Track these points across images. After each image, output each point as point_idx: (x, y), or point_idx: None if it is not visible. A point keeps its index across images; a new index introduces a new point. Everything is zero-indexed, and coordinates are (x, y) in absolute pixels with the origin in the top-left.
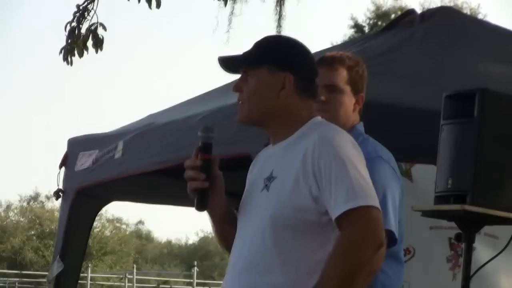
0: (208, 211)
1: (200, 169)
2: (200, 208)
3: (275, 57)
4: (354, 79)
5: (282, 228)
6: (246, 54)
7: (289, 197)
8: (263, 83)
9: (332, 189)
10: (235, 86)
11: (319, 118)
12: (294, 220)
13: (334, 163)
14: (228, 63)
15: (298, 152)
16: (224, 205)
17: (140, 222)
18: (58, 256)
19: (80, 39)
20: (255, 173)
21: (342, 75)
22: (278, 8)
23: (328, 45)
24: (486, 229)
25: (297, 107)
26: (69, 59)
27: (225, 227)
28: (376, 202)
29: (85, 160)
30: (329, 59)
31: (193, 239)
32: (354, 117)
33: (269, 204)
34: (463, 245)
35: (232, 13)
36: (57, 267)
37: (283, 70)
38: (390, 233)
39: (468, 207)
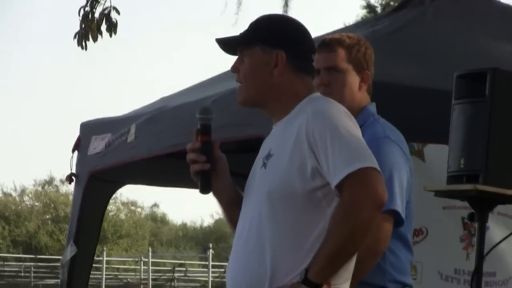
0: (214, 195)
1: (200, 151)
2: (204, 190)
3: (266, 36)
4: (355, 58)
5: (278, 204)
6: (241, 34)
7: (285, 173)
8: (256, 62)
9: (330, 159)
10: (232, 67)
11: (317, 94)
12: (289, 195)
13: (329, 133)
14: (225, 44)
15: (293, 128)
16: (230, 187)
17: (155, 205)
18: (72, 240)
19: (94, 23)
20: (259, 155)
21: (341, 56)
22: None
23: (341, 26)
24: (499, 208)
25: (292, 84)
26: (83, 43)
27: (233, 209)
28: (374, 163)
29: (97, 144)
30: (327, 41)
31: (208, 221)
32: (361, 96)
33: (266, 181)
34: (476, 225)
35: None
36: (70, 251)
37: (275, 48)
38: (395, 213)
39: (480, 187)
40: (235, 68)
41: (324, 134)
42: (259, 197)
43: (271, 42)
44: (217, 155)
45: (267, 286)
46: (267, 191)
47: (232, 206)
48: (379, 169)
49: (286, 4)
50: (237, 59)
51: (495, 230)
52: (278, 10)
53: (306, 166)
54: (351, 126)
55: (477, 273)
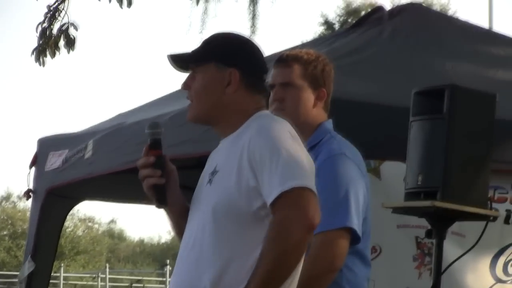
0: (165, 208)
1: (154, 166)
2: (161, 204)
3: (220, 53)
4: (312, 74)
5: (222, 220)
6: (193, 51)
7: (229, 190)
8: (209, 79)
9: (267, 177)
10: (183, 84)
11: (265, 111)
12: (233, 212)
13: (268, 151)
14: (178, 60)
15: (239, 145)
16: (180, 200)
17: (112, 221)
18: (29, 256)
19: (51, 40)
20: (204, 169)
21: (296, 72)
22: (251, 8)
23: (298, 43)
24: (453, 227)
25: (244, 102)
26: (41, 59)
27: (182, 222)
28: (309, 184)
29: (55, 160)
30: (284, 57)
31: (165, 237)
32: (316, 113)
33: (211, 197)
34: (431, 243)
35: (205, 12)
36: (28, 267)
37: (229, 66)
38: (351, 230)
39: (438, 203)
40: (186, 85)
41: (264, 153)
42: (204, 213)
43: (225, 60)
44: (169, 168)
45: None
46: (212, 207)
47: (181, 219)
48: (315, 190)
49: (253, 25)
50: (189, 76)
51: (449, 249)
52: (245, 29)
53: (248, 184)
54: (292, 145)
55: None
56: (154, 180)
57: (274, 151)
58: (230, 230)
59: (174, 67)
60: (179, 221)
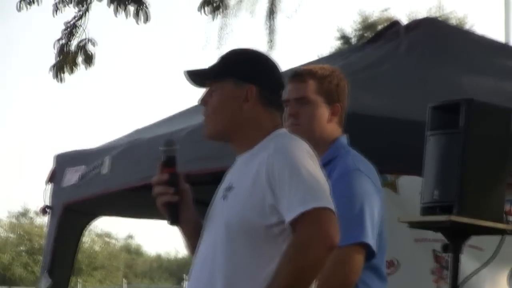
0: (179, 226)
1: (168, 183)
2: (174, 222)
3: (237, 70)
4: (327, 89)
5: (235, 237)
6: (211, 67)
7: (243, 206)
8: (226, 96)
9: (286, 195)
10: (200, 100)
11: (282, 130)
12: (247, 228)
13: (288, 169)
14: (195, 76)
15: (255, 163)
16: (194, 217)
17: (130, 236)
18: (46, 272)
19: (69, 56)
20: (221, 184)
21: (311, 87)
22: (268, 23)
23: (315, 57)
24: (471, 241)
25: (261, 119)
26: (59, 76)
27: (195, 241)
28: (330, 204)
29: (72, 176)
30: (299, 72)
31: (182, 252)
32: (331, 128)
33: (225, 212)
34: (449, 257)
35: (221, 28)
36: (44, 283)
37: (246, 82)
38: (366, 246)
39: (454, 218)
40: (203, 101)
41: (283, 171)
42: (217, 228)
43: (242, 76)
44: (182, 186)
45: None
46: (225, 223)
47: (195, 236)
48: (334, 210)
49: (270, 40)
50: (207, 92)
51: (466, 262)
52: (262, 44)
53: (265, 202)
54: (311, 165)
55: None
56: (167, 197)
57: (294, 170)
58: (243, 247)
59: (191, 83)
60: (192, 239)
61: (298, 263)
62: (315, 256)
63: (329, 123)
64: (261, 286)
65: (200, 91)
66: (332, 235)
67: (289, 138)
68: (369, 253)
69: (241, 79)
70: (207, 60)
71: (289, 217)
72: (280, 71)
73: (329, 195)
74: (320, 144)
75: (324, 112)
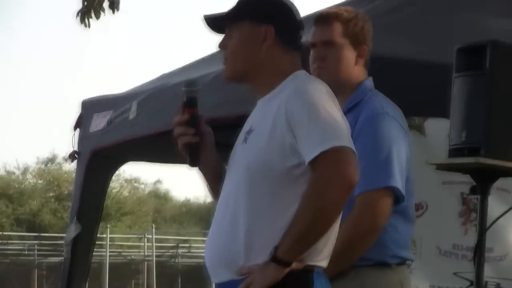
0: (200, 168)
1: (188, 124)
2: (193, 163)
3: (254, 10)
4: (352, 32)
5: (256, 179)
6: (228, 11)
7: (264, 149)
8: (244, 37)
9: (306, 135)
10: (219, 44)
11: (302, 72)
12: (268, 171)
13: (307, 111)
14: (213, 21)
15: (274, 105)
16: (215, 161)
17: (158, 181)
18: (75, 218)
19: (96, 1)
20: (242, 128)
21: (337, 30)
22: None
23: (339, 1)
24: (498, 183)
25: (280, 59)
26: (86, 21)
27: (217, 185)
28: (349, 143)
29: (99, 122)
30: (324, 15)
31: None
32: (357, 71)
33: (245, 155)
34: (476, 199)
35: None
36: (74, 229)
37: (264, 23)
38: (395, 189)
39: (482, 160)
40: (223, 44)
41: (302, 112)
42: (239, 172)
43: (260, 17)
44: (204, 129)
45: (241, 262)
46: (246, 166)
47: (216, 179)
48: (354, 150)
49: None
50: (225, 36)
51: (494, 205)
52: None
53: (285, 143)
54: (331, 105)
55: (480, 247)
56: (188, 138)
57: (313, 110)
58: (264, 189)
59: (209, 29)
60: (214, 183)
61: (318, 203)
62: (334, 196)
63: (356, 66)
64: (283, 228)
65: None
66: (351, 174)
67: (308, 79)
68: (398, 197)
69: (258, 20)
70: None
71: (309, 157)
72: (298, 12)
73: (348, 134)
74: (346, 87)
75: (350, 55)
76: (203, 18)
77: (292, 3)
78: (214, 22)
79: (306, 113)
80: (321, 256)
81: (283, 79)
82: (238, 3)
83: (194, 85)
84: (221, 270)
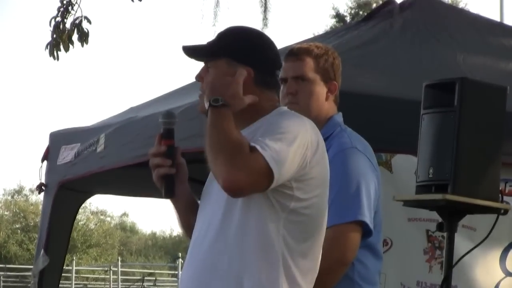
0: (171, 200)
1: (165, 155)
2: (169, 194)
3: (233, 50)
4: (323, 67)
5: (237, 210)
6: (207, 44)
7: None
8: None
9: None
10: (196, 76)
11: (284, 108)
12: (247, 201)
13: (274, 127)
14: (191, 53)
15: (250, 136)
16: (188, 193)
17: (125, 214)
18: (42, 250)
19: (65, 34)
20: None
21: (309, 65)
22: (263, 1)
23: (310, 35)
24: (464, 221)
25: (258, 98)
26: (55, 53)
27: (190, 216)
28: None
29: (67, 154)
30: (295, 50)
31: (177, 230)
32: (328, 106)
33: (222, 192)
34: (442, 236)
35: (217, 5)
36: (43, 261)
37: (241, 64)
38: (363, 224)
39: (449, 197)
40: (199, 77)
41: (271, 128)
42: (218, 203)
43: (237, 57)
44: (179, 160)
45: None
46: (226, 197)
47: (189, 212)
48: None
49: (265, 17)
50: (202, 68)
51: (459, 242)
52: (256, 22)
53: None
54: (303, 138)
55: (446, 283)
56: (165, 170)
57: (278, 129)
58: (247, 220)
59: (189, 56)
60: (186, 215)
61: None
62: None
63: (326, 101)
64: (271, 259)
65: (196, 67)
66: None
67: (293, 113)
68: (366, 232)
69: (235, 60)
70: (204, 36)
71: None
72: (277, 51)
73: (290, 165)
74: (316, 122)
75: (321, 90)
76: (182, 48)
77: (271, 41)
78: (192, 52)
79: (271, 129)
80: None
81: (261, 116)
82: (217, 39)
83: (171, 116)
84: None
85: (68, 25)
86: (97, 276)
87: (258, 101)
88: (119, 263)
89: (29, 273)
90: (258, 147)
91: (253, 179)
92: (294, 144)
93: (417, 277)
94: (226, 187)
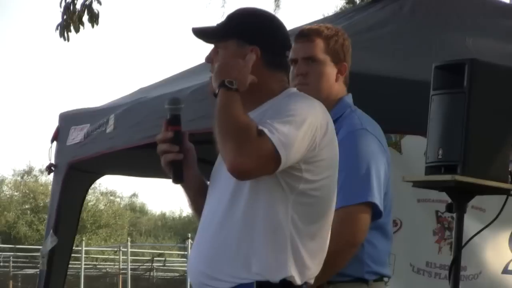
0: (182, 185)
1: (172, 141)
2: (177, 180)
3: (242, 30)
4: (333, 49)
5: (246, 191)
6: (217, 26)
7: None
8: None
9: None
10: (206, 58)
11: (293, 89)
12: (256, 182)
13: (283, 109)
14: (201, 35)
15: (260, 117)
16: (197, 177)
17: (134, 195)
18: (51, 231)
19: (75, 15)
20: None
21: (319, 46)
22: None
23: (320, 17)
24: (473, 202)
25: (266, 80)
26: (65, 35)
27: (200, 199)
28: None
29: (76, 134)
30: (306, 32)
31: (187, 211)
32: (338, 87)
33: None
34: (451, 217)
35: None
36: (51, 242)
37: (250, 43)
38: (373, 205)
39: (458, 177)
40: (209, 58)
41: (281, 109)
42: (227, 184)
43: (246, 37)
44: (187, 145)
45: (243, 276)
46: (233, 182)
47: (199, 195)
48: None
49: None
50: (212, 50)
51: (469, 223)
52: (268, 3)
53: None
54: (313, 120)
55: (456, 264)
56: (172, 156)
57: (289, 111)
58: (254, 200)
59: (200, 39)
60: (196, 198)
61: None
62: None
63: (336, 82)
64: (279, 240)
65: (206, 49)
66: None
67: (304, 95)
68: (376, 213)
69: (244, 40)
70: (212, 18)
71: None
72: (286, 32)
73: (299, 146)
74: (326, 103)
75: (332, 71)
76: (192, 30)
77: (280, 22)
78: (201, 35)
79: (282, 111)
80: (312, 272)
81: (270, 97)
82: (226, 20)
83: (177, 102)
84: (211, 281)
85: (78, 6)
86: (107, 256)
87: (265, 83)
88: (129, 243)
89: (39, 253)
90: (266, 131)
91: (259, 162)
92: (303, 126)
93: (427, 258)
94: (232, 171)
